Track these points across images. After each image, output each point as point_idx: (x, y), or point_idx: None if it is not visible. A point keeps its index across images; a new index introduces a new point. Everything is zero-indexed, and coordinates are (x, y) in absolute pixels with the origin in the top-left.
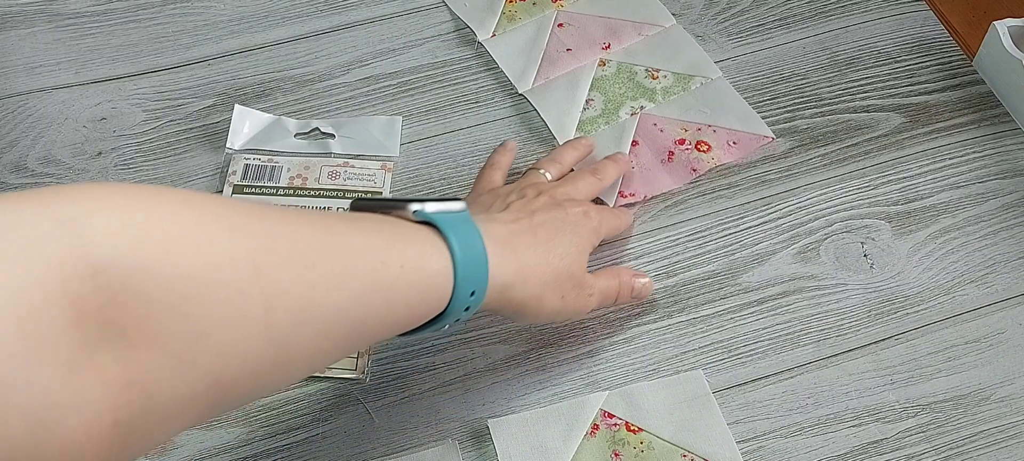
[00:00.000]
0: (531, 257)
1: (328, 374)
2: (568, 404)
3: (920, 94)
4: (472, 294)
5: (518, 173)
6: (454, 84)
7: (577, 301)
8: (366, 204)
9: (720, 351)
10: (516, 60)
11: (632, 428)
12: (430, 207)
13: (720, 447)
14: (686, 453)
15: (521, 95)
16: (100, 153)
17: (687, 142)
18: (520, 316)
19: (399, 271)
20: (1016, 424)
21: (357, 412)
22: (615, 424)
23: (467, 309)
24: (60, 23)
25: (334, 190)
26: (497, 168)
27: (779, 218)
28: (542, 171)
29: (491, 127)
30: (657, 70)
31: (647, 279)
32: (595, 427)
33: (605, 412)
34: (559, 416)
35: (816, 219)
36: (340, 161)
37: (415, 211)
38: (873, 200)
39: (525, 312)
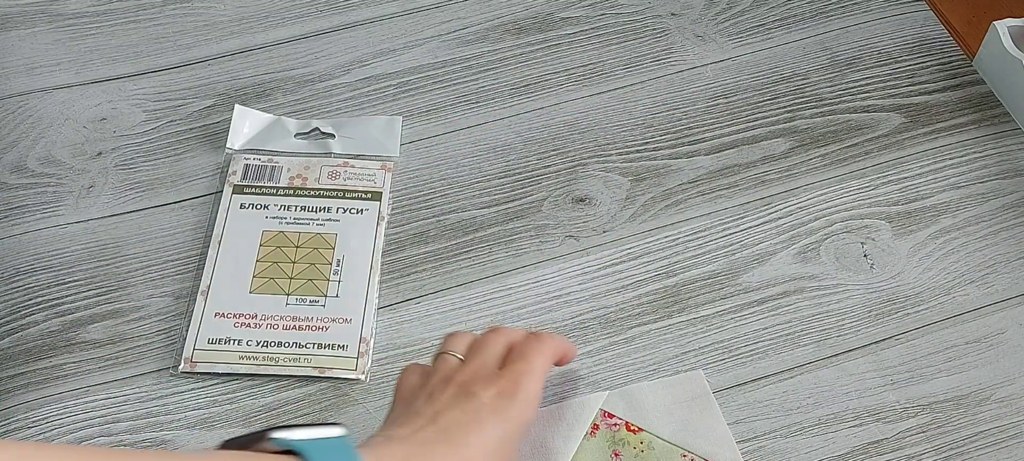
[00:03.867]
0: None
1: (328, 374)
2: (568, 404)
3: (920, 94)
4: None
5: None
6: (454, 84)
7: None
8: (234, 441)
9: (720, 351)
10: None
11: (632, 428)
12: (296, 433)
13: (720, 447)
14: (686, 453)
15: (520, 96)
16: (100, 153)
17: None
18: None
19: None
20: (1016, 424)
21: (357, 412)
22: (615, 424)
23: None
24: (60, 23)
25: (334, 190)
26: (411, 371)
27: (779, 218)
28: (451, 353)
29: (491, 127)
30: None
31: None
32: (595, 427)
33: (605, 412)
34: (559, 416)
35: (816, 219)
36: (340, 161)
37: (275, 439)
38: (873, 200)
39: None
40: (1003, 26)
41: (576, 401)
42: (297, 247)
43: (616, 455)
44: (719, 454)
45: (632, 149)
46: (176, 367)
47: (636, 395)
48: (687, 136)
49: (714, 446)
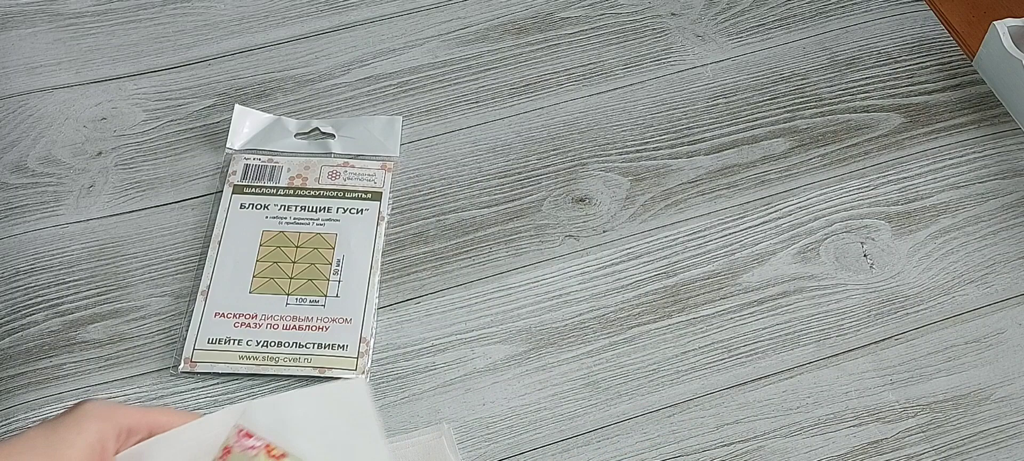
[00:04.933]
0: None
1: (328, 374)
2: (192, 426)
3: (920, 94)
4: None
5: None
6: (454, 84)
7: None
8: None
9: (720, 351)
10: None
11: (275, 453)
12: None
13: None
14: None
15: (520, 96)
16: (100, 153)
17: None
18: None
19: None
20: (1016, 424)
21: None
22: (253, 446)
23: None
24: (60, 23)
25: (334, 190)
26: None
27: (779, 218)
28: None
29: (491, 127)
30: None
31: None
32: (227, 451)
33: (242, 431)
34: (177, 442)
35: (816, 219)
36: (340, 161)
37: None
38: (873, 200)
39: None
40: (1003, 26)
41: (204, 419)
42: (297, 247)
43: None
44: None
45: (632, 149)
46: (176, 367)
47: (284, 406)
48: (687, 136)
49: None
